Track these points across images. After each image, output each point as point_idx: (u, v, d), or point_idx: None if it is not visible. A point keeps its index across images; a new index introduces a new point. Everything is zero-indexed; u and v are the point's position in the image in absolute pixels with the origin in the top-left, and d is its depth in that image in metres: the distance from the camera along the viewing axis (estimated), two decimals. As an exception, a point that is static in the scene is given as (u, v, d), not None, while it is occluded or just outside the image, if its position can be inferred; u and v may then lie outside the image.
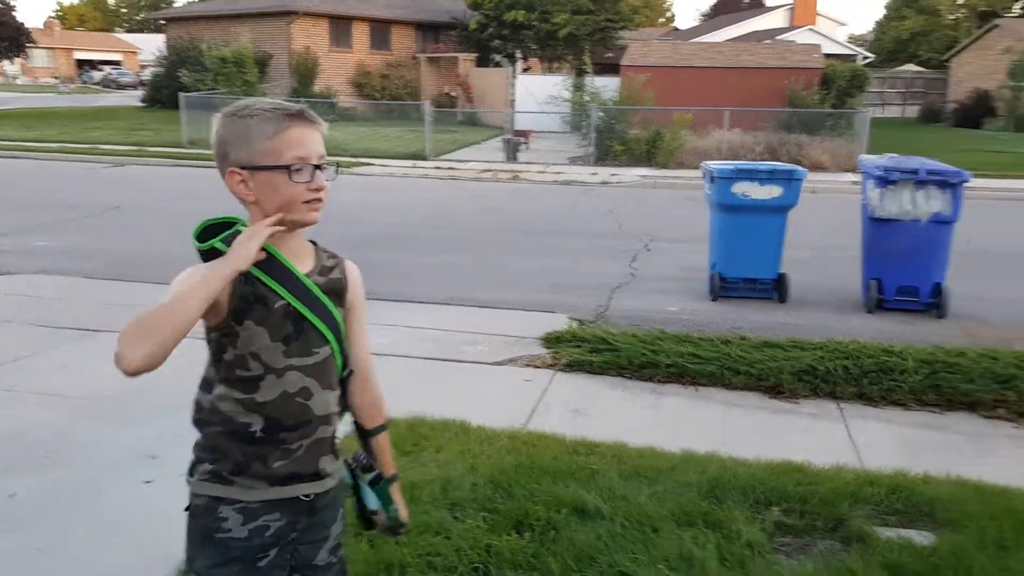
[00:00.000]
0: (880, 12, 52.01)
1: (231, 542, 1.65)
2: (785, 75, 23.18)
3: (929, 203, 6.96)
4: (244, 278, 1.59)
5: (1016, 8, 44.68)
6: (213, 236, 1.63)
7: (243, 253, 1.55)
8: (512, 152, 19.91)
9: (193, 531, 1.69)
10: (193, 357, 1.81)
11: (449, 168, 18.27)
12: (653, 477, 3.64)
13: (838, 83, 23.47)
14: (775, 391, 5.13)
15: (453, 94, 31.52)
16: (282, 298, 1.64)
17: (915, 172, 6.91)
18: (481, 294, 7.55)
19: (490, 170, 18.07)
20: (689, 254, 9.14)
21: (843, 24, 44.25)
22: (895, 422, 4.74)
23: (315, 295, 1.68)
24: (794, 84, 22.96)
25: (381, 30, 33.44)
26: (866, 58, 34.89)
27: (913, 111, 38.34)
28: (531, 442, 4.08)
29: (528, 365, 5.54)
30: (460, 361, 5.64)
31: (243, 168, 1.62)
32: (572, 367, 5.43)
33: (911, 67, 42.89)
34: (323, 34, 31.66)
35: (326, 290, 1.71)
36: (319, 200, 1.65)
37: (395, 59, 33.23)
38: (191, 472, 1.71)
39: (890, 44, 46.98)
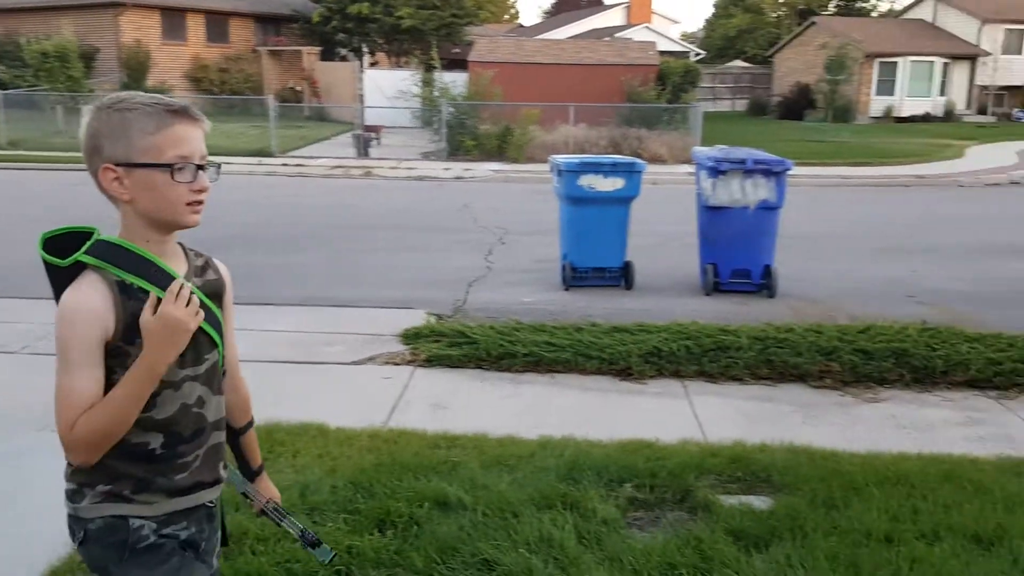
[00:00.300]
0: (709, 10, 54.93)
1: (154, 545, 1.59)
2: (624, 71, 24.08)
3: (757, 191, 7.45)
4: (128, 294, 1.51)
5: (831, 7, 48.36)
6: (61, 249, 1.52)
7: (188, 325, 1.50)
8: (363, 148, 19.64)
9: (105, 555, 1.59)
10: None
11: (297, 165, 17.79)
12: (513, 465, 3.73)
13: (673, 79, 24.63)
14: (625, 374, 5.36)
15: (298, 88, 30.68)
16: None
17: (743, 162, 7.39)
18: (337, 293, 7.43)
19: (341, 166, 17.75)
20: (542, 246, 9.36)
21: (676, 22, 46.43)
22: (733, 396, 5.07)
23: (200, 301, 1.61)
24: (632, 80, 23.89)
25: (218, 22, 32.02)
26: (698, 55, 36.74)
27: (742, 105, 40.79)
28: (392, 440, 4.08)
29: (387, 363, 5.52)
30: (317, 363, 5.54)
31: (119, 165, 1.52)
32: (432, 362, 5.45)
33: (739, 63, 45.54)
34: (155, 26, 29.96)
35: (208, 293, 1.65)
36: (200, 202, 1.57)
37: (234, 52, 31.92)
38: (73, 499, 1.60)
39: (719, 41, 49.70)
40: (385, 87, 24.69)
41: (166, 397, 1.57)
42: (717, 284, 7.72)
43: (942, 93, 33.67)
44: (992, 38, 34.35)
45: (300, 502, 3.22)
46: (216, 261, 1.77)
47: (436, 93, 20.64)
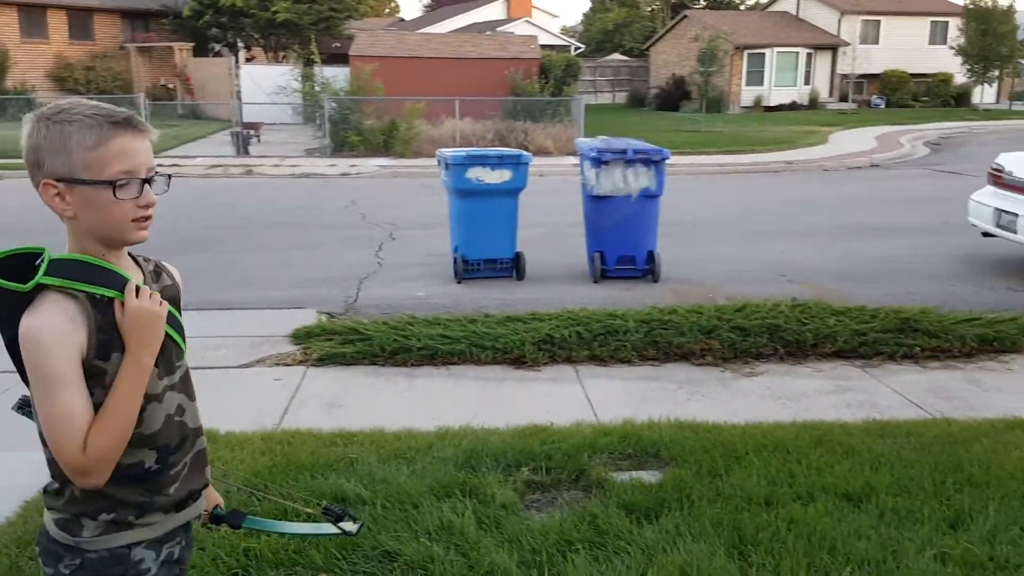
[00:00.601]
0: (587, 4, 55.98)
1: None
2: (506, 65, 24.27)
3: (638, 180, 7.70)
4: (98, 307, 1.46)
5: (702, 1, 50.19)
6: (11, 271, 1.44)
7: (149, 324, 1.48)
8: (242, 145, 19.07)
9: None
10: None
11: (173, 165, 17.07)
12: (412, 457, 3.75)
13: (555, 72, 25.01)
14: (519, 362, 5.46)
15: (171, 86, 29.47)
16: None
17: (624, 152, 7.62)
18: (222, 296, 7.22)
19: (220, 165, 17.19)
20: (433, 240, 9.37)
21: (556, 16, 47.17)
22: (623, 377, 5.25)
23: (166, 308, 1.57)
24: (515, 74, 24.12)
25: (81, 18, 30.32)
26: (578, 48, 37.45)
27: (622, 97, 41.89)
28: (286, 441, 4.02)
29: (278, 364, 5.43)
30: (204, 368, 5.37)
31: (60, 180, 1.44)
32: (324, 361, 5.40)
33: (617, 56, 46.69)
34: (12, 23, 28.14)
35: (166, 299, 1.59)
36: (147, 218, 1.51)
37: (100, 50, 30.34)
38: (68, 529, 1.54)
39: (598, 35, 50.79)
40: (263, 83, 24.01)
41: (152, 411, 1.54)
42: (604, 271, 7.94)
43: (807, 82, 35.53)
44: (851, 29, 36.48)
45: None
46: (166, 264, 1.72)
47: (317, 88, 20.23)
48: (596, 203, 7.84)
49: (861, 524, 3.16)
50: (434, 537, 3.03)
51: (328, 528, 1.93)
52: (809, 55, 35.46)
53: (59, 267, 1.46)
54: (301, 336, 5.82)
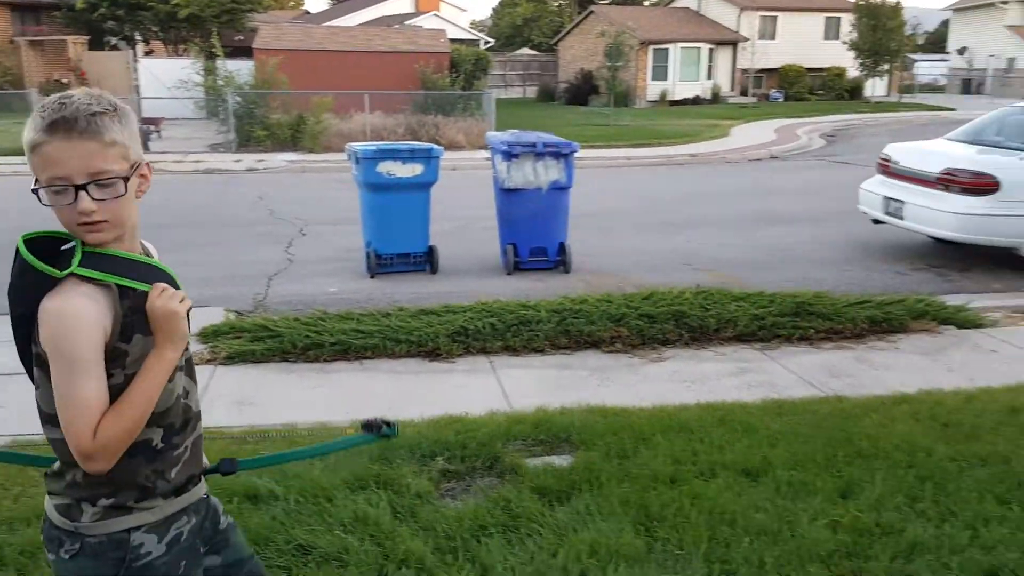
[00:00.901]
0: (496, -1, 56.15)
1: (153, 564, 1.59)
2: (416, 59, 24.18)
3: (548, 172, 7.83)
4: (125, 295, 1.51)
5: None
6: (39, 253, 1.48)
7: (175, 323, 1.52)
8: (143, 141, 18.31)
9: (98, 570, 1.56)
10: None
11: (68, 163, 16.39)
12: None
13: (464, 66, 25.05)
14: (434, 354, 5.49)
15: (65, 81, 28.11)
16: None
17: (534, 145, 7.73)
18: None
19: (119, 163, 16.54)
20: (345, 235, 9.29)
21: (464, 10, 47.05)
22: (536, 367, 5.35)
23: (170, 276, 1.61)
24: (425, 68, 24.04)
25: (-36, 10, 28.68)
26: (487, 43, 37.52)
27: (532, 91, 42.24)
28: (196, 440, 3.95)
29: (185, 364, 5.30)
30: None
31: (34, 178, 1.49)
32: (233, 359, 5.31)
33: (527, 51, 47.03)
34: None
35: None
36: (94, 223, 1.49)
37: (-13, 43, 28.76)
38: (68, 515, 1.56)
39: (507, 29, 51.05)
40: (163, 77, 23.20)
41: (164, 390, 1.56)
42: (517, 263, 8.04)
43: (709, 77, 36.61)
44: (750, 25, 37.75)
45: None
46: (148, 244, 1.73)
47: (220, 82, 19.69)
48: (508, 196, 7.93)
49: (759, 497, 3.34)
50: (349, 529, 3.05)
51: (358, 439, 2.01)
52: (711, 50, 36.54)
53: (94, 260, 1.49)
54: (208, 335, 5.70)
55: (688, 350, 5.65)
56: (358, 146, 7.93)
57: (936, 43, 57.67)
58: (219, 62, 20.69)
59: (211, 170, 16.05)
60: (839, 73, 37.71)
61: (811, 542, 2.99)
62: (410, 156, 7.71)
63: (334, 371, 5.22)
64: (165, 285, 1.56)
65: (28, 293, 1.48)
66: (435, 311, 6.03)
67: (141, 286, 1.53)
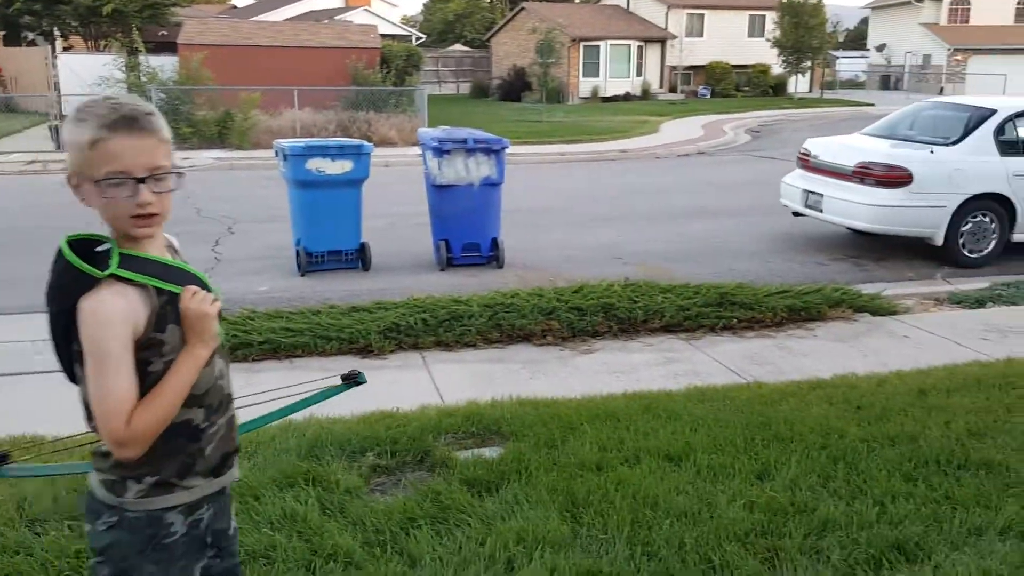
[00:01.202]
0: (428, -6, 55.83)
1: (175, 544, 1.69)
2: (346, 55, 23.89)
3: (479, 168, 7.87)
4: (160, 293, 1.61)
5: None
6: (79, 255, 1.56)
7: (208, 323, 1.64)
8: (58, 139, 17.78)
9: (132, 543, 1.65)
10: None
11: (-18, 162, 15.75)
12: (253, 451, 3.72)
13: (396, 62, 24.87)
14: (366, 351, 5.49)
15: (-22, 76, 26.99)
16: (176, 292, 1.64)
17: (465, 141, 7.77)
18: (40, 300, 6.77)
19: (38, 161, 15.99)
20: (274, 233, 9.17)
21: (395, 5, 46.71)
22: (468, 361, 5.40)
23: (200, 279, 1.70)
24: (356, 63, 23.79)
25: None
26: (419, 38, 37.38)
27: (466, 87, 42.16)
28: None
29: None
30: (27, 373, 5.07)
31: (74, 175, 1.58)
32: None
33: (460, 47, 46.94)
34: None
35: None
36: (148, 215, 1.59)
37: None
38: (114, 490, 1.66)
39: (439, 25, 50.87)
40: (84, 74, 22.36)
41: (204, 372, 1.67)
42: (450, 259, 8.07)
43: (639, 74, 37.14)
44: (677, 22, 38.42)
45: (19, 516, 3.01)
46: (171, 238, 1.81)
47: (143, 78, 19.16)
48: (440, 192, 7.94)
49: (681, 481, 3.45)
50: (276, 526, 3.04)
51: (338, 389, 2.14)
52: (640, 47, 37.06)
53: (130, 262, 1.59)
54: (133, 337, 5.58)
55: (617, 341, 5.77)
56: (286, 143, 7.84)
57: (856, 40, 59.67)
58: (141, 58, 20.12)
59: (135, 168, 15.61)
60: (764, 70, 38.67)
61: (729, 522, 3.11)
62: (339, 153, 7.66)
63: (262, 371, 5.16)
64: (197, 288, 1.66)
65: (69, 292, 1.57)
66: (367, 308, 6.02)
67: (174, 288, 1.63)
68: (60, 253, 1.58)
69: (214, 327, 1.67)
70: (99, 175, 1.55)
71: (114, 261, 1.57)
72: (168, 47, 24.61)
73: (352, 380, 2.11)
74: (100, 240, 1.63)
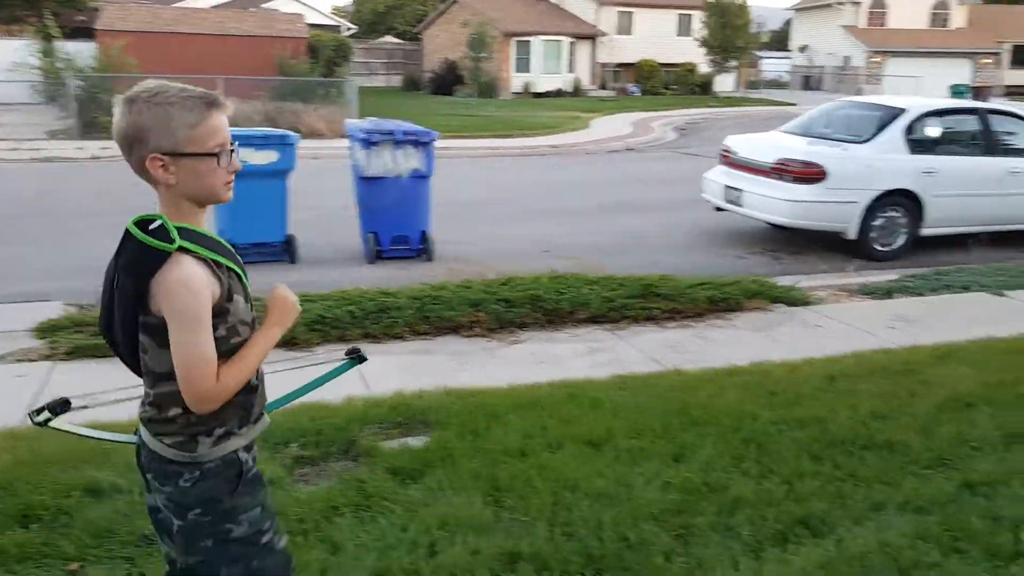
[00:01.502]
0: (359, -15, 55.15)
1: (256, 475, 1.93)
2: (272, 44, 23.49)
3: (408, 161, 7.87)
4: (220, 268, 1.78)
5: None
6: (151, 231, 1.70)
7: (293, 313, 1.93)
8: (-30, 128, 17.01)
9: (220, 488, 1.84)
10: None
11: None
12: (173, 443, 3.67)
13: (325, 53, 24.55)
14: (291, 344, 5.43)
15: None
16: (233, 267, 1.83)
17: (392, 133, 7.75)
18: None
19: (-56, 150, 15.26)
20: (196, 226, 8.96)
21: (327, -5, 46.08)
22: (396, 353, 5.41)
23: (234, 253, 1.88)
24: (282, 53, 23.39)
25: None
26: (349, 29, 36.90)
27: (397, 80, 41.81)
28: (33, 437, 3.77)
29: (19, 360, 5.03)
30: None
31: (165, 154, 1.71)
32: (74, 354, 5.07)
33: (391, 39, 46.51)
34: None
35: None
36: (232, 180, 1.82)
37: None
38: (186, 448, 1.81)
39: (369, 16, 50.26)
40: (-6, 58, 21.49)
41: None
42: (379, 252, 8.04)
43: (571, 70, 37.47)
44: (608, 19, 38.90)
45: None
46: None
47: (60, 65, 18.46)
48: (368, 184, 7.90)
49: (601, 465, 3.55)
50: (198, 517, 3.02)
51: (346, 365, 2.25)
52: (571, 44, 37.39)
53: (188, 235, 1.74)
54: (46, 330, 5.42)
55: (544, 332, 5.86)
56: (209, 133, 7.67)
57: (780, 41, 61.32)
58: (57, 44, 19.38)
59: (51, 158, 15.06)
60: (691, 69, 39.46)
61: (645, 502, 3.22)
62: (264, 143, 7.56)
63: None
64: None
65: (143, 268, 1.71)
66: (292, 300, 5.96)
67: (228, 262, 1.82)
68: (129, 233, 1.72)
69: (293, 319, 1.94)
70: (206, 148, 1.74)
71: (174, 235, 1.72)
72: (86, 33, 23.75)
73: (356, 356, 2.25)
74: (152, 219, 1.75)
